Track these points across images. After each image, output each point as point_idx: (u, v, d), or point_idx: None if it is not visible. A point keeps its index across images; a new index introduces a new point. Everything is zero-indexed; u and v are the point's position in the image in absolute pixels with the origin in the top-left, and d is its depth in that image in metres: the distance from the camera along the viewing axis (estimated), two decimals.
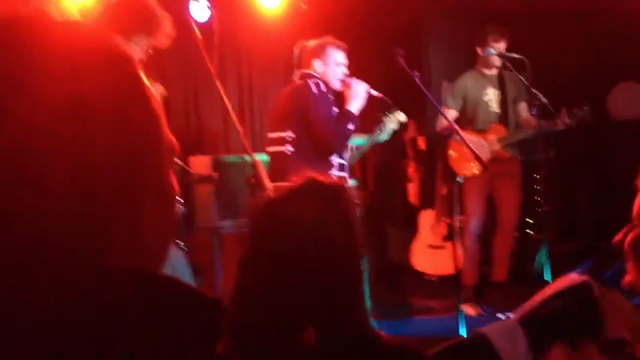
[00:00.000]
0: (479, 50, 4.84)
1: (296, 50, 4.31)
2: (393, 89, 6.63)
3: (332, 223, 1.31)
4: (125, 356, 0.64)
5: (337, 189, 1.40)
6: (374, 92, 3.83)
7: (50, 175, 0.63)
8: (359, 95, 3.72)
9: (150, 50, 2.77)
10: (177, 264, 3.09)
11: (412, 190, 6.27)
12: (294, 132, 3.64)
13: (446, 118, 4.16)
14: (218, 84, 2.83)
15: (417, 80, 3.69)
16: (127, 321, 0.65)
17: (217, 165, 5.22)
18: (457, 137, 4.80)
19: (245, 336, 1.28)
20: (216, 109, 6.07)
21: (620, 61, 5.59)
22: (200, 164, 5.15)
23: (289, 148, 3.65)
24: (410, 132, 6.19)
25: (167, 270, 2.26)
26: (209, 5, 5.59)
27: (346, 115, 3.64)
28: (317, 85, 3.66)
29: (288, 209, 1.33)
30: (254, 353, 1.27)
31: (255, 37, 6.14)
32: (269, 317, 1.28)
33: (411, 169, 6.28)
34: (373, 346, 1.40)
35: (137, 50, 2.73)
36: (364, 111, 4.03)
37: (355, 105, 3.70)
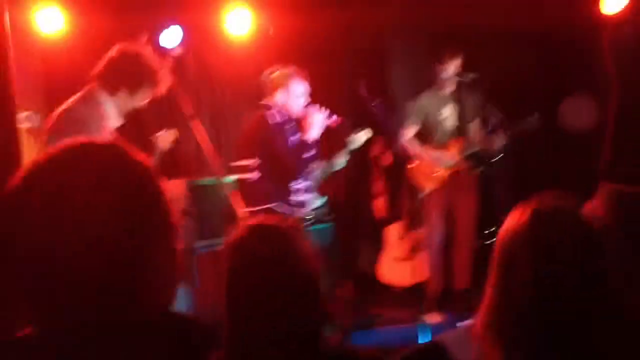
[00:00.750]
0: (437, 69, 5.15)
1: (263, 79, 4.60)
2: (363, 107, 6.97)
3: (291, 257, 1.53)
4: None
5: (290, 228, 1.61)
6: (332, 121, 4.10)
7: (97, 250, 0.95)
8: (318, 123, 3.99)
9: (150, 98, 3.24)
10: None
11: (380, 205, 6.56)
12: (257, 160, 3.91)
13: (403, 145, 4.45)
14: (191, 120, 3.09)
15: (377, 110, 3.98)
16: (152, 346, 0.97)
17: (192, 189, 5.48)
18: (417, 152, 5.16)
19: (238, 351, 1.50)
20: (189, 131, 6.33)
21: (571, 76, 5.95)
22: (176, 187, 5.39)
23: (252, 175, 3.93)
24: (377, 148, 6.49)
25: None
26: (182, 33, 5.90)
27: (305, 144, 3.92)
28: (279, 115, 3.92)
29: (252, 247, 1.54)
30: None
31: (226, 63, 6.41)
32: (255, 336, 1.49)
33: (379, 184, 6.57)
34: (349, 357, 1.63)
35: (139, 99, 3.12)
36: (330, 133, 4.32)
37: (314, 132, 3.98)
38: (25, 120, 4.74)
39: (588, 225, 1.43)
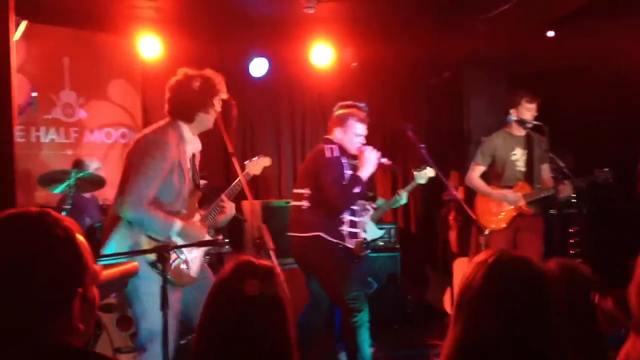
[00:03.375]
0: (511, 112, 5.16)
1: (334, 110, 4.80)
2: (440, 139, 7.10)
3: (265, 295, 1.62)
4: None
5: (268, 269, 1.70)
6: (385, 161, 4.24)
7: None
8: (370, 162, 4.12)
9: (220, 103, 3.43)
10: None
11: (452, 238, 6.62)
12: (310, 190, 4.11)
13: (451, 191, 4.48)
14: (234, 160, 3.29)
15: (423, 152, 4.10)
16: None
17: (266, 209, 5.80)
18: (482, 191, 5.21)
19: None
20: (272, 158, 6.69)
21: None
22: (253, 206, 5.73)
23: (305, 203, 4.13)
24: (452, 182, 6.57)
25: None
26: (268, 63, 6.27)
27: (355, 180, 4.06)
28: (332, 150, 4.07)
29: (229, 285, 1.65)
30: None
31: (308, 92, 6.73)
32: None
33: (451, 217, 6.64)
34: None
35: (216, 106, 3.36)
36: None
37: (366, 171, 4.10)
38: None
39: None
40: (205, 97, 3.33)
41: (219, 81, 3.40)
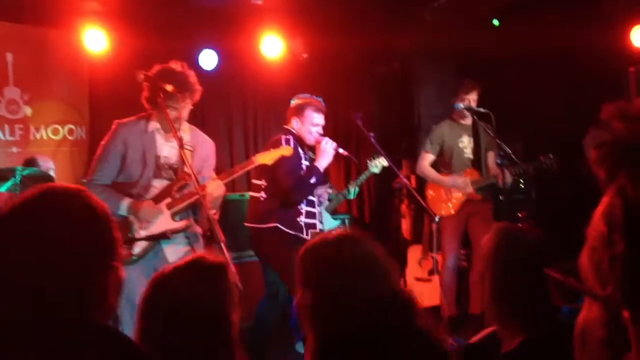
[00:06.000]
0: (455, 100, 5.26)
1: (292, 102, 4.79)
2: (391, 129, 7.18)
3: (202, 294, 1.64)
4: None
5: (215, 267, 1.74)
6: (342, 151, 4.26)
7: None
8: (327, 153, 4.13)
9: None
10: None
11: (405, 226, 6.70)
12: (266, 181, 4.11)
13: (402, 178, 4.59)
14: (183, 152, 3.27)
15: (373, 140, 4.14)
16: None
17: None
18: (433, 179, 5.30)
19: None
20: (225, 150, 6.65)
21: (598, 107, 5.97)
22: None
23: (262, 195, 4.13)
24: (404, 171, 6.65)
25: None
26: (217, 56, 6.21)
27: (311, 170, 4.07)
28: (289, 141, 4.04)
29: (169, 281, 1.68)
30: None
31: (259, 84, 6.70)
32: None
33: (404, 206, 6.72)
34: None
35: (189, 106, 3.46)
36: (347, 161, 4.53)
37: (323, 161, 4.11)
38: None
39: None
40: (150, 94, 3.42)
41: (165, 75, 3.43)
